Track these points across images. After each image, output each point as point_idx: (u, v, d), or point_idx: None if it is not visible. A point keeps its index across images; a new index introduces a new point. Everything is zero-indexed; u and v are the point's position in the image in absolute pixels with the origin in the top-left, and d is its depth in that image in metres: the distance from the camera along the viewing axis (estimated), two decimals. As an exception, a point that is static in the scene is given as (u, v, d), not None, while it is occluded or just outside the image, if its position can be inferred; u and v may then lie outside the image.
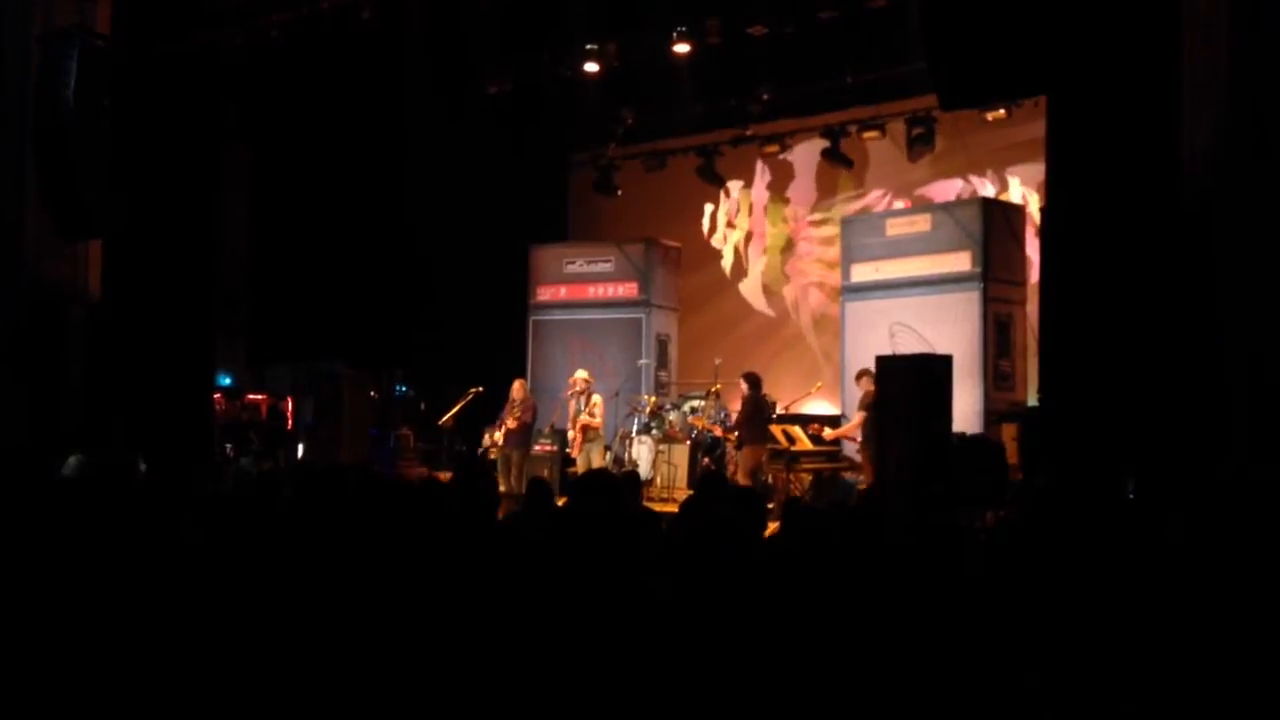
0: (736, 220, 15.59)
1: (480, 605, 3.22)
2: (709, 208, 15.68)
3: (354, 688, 2.99)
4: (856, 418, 10.86)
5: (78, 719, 3.03)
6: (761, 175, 15.26)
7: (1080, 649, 2.80)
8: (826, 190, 14.79)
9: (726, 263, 15.63)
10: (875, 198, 14.39)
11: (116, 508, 4.45)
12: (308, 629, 3.19)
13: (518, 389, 12.10)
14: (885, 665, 2.80)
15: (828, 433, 11.46)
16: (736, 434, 11.32)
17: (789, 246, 15.20)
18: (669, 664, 2.85)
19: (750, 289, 15.47)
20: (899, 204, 13.97)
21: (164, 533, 4.06)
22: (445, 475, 10.52)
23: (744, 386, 11.13)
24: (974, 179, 13.50)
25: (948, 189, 13.62)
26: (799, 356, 14.78)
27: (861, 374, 11.06)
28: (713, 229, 15.70)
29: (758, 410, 11.04)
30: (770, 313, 15.29)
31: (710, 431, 12.46)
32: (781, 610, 2.96)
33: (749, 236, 15.52)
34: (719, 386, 12.82)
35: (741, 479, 10.49)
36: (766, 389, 12.31)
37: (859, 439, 11.10)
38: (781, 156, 14.42)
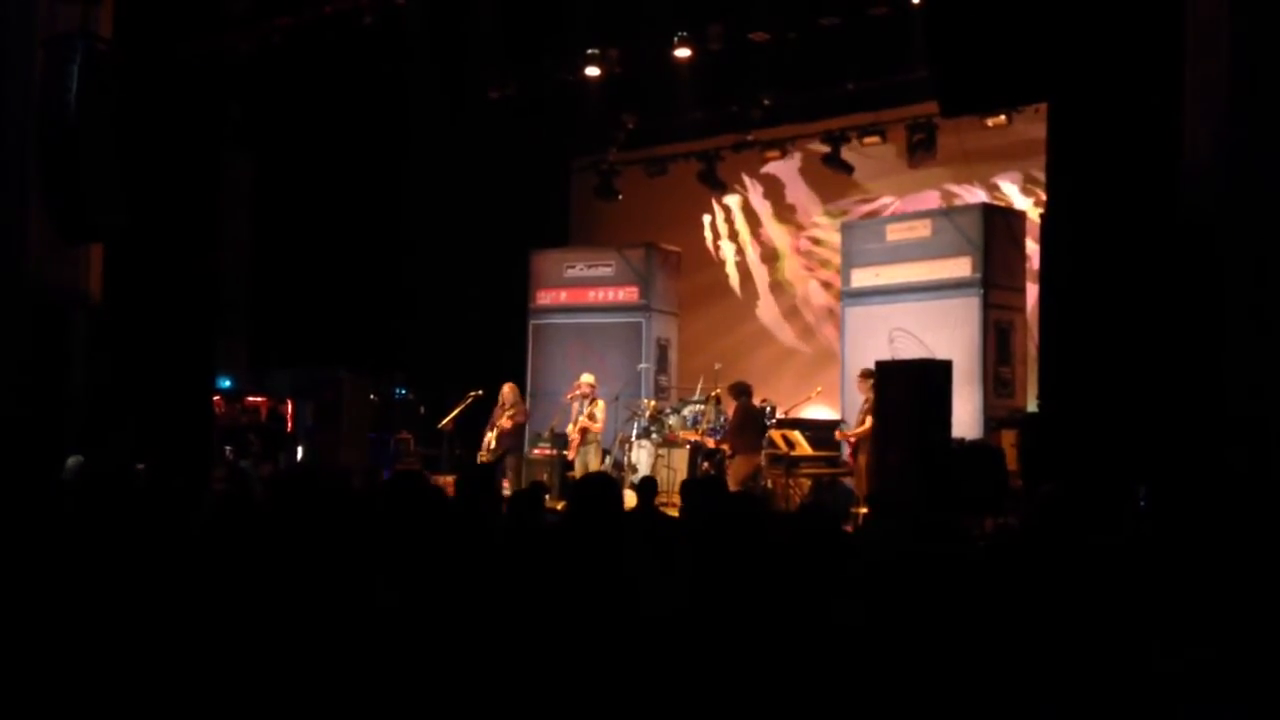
0: (738, 227, 15.60)
1: (482, 611, 3.23)
2: (708, 218, 15.69)
3: (355, 694, 3.00)
4: (870, 422, 10.52)
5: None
6: (763, 181, 15.26)
7: (1086, 657, 2.80)
8: (827, 196, 14.79)
9: (729, 270, 15.63)
10: (878, 203, 14.38)
11: (116, 510, 4.46)
12: (311, 633, 3.19)
13: (508, 392, 12.15)
14: (888, 669, 2.81)
15: (840, 432, 11.31)
16: (728, 444, 11.25)
17: (791, 252, 15.20)
18: (672, 665, 2.85)
19: (751, 295, 15.48)
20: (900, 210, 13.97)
21: (164, 535, 4.06)
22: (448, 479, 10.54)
23: (732, 396, 11.12)
24: (974, 185, 13.50)
25: (949, 195, 13.62)
26: (799, 361, 14.78)
27: (866, 374, 10.89)
28: (716, 238, 15.69)
29: (749, 419, 11.01)
30: (771, 318, 15.29)
31: (702, 442, 12.35)
32: (784, 612, 2.97)
33: (750, 243, 15.52)
34: (719, 391, 12.82)
35: (732, 487, 10.43)
36: (767, 394, 12.31)
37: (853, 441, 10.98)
38: (782, 162, 14.43)
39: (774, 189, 15.21)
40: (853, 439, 10.96)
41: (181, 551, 3.85)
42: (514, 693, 2.89)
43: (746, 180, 15.31)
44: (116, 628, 3.27)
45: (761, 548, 3.42)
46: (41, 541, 3.92)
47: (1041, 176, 12.69)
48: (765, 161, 14.37)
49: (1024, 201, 13.03)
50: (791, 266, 15.20)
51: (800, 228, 15.10)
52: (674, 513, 8.65)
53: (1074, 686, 2.67)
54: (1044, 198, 12.67)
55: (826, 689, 2.78)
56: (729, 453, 11.25)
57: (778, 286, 15.27)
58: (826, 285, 14.56)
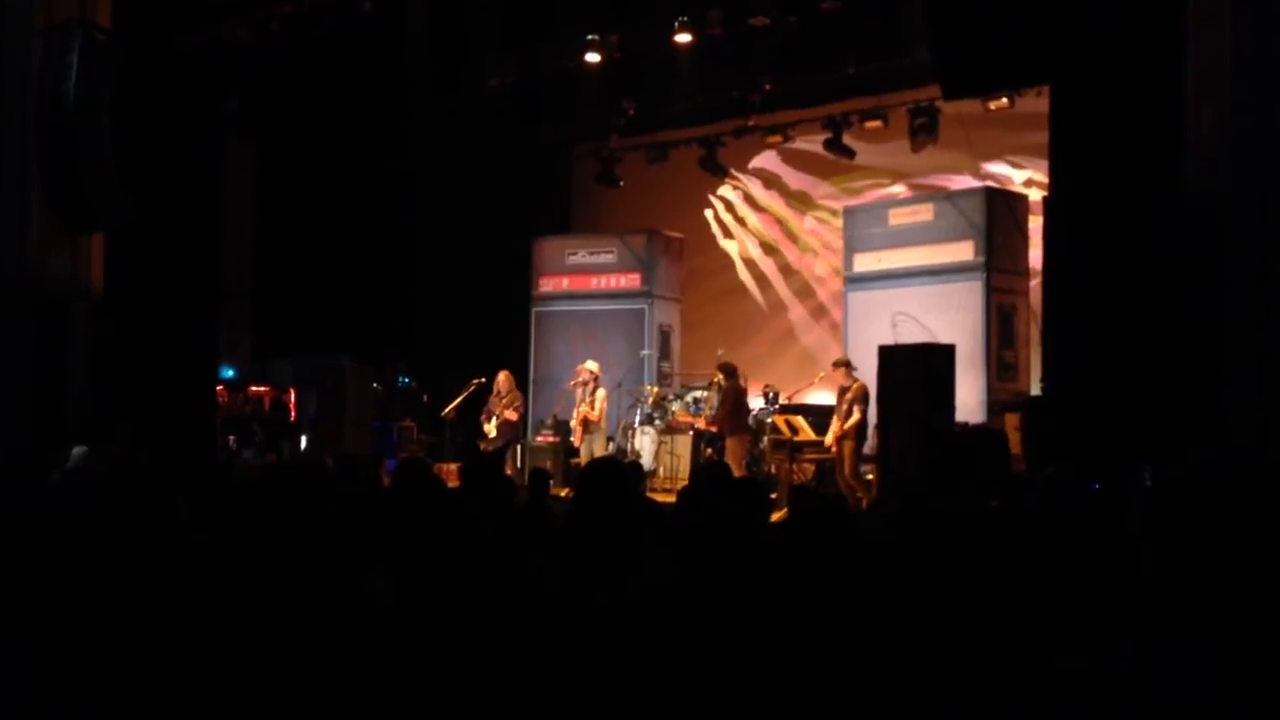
0: (741, 214, 15.57)
1: (488, 602, 3.23)
2: (709, 212, 15.65)
3: (359, 683, 3.00)
4: (858, 413, 10.18)
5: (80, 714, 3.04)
6: (766, 165, 15.22)
7: (1088, 639, 2.80)
8: (829, 180, 14.75)
9: (734, 257, 15.59)
10: (883, 187, 14.32)
11: (120, 500, 4.46)
12: (313, 624, 3.19)
13: (504, 380, 12.13)
14: (890, 653, 2.81)
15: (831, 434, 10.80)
16: (718, 426, 11.24)
17: (801, 234, 15.17)
18: (673, 656, 2.85)
19: (755, 280, 15.45)
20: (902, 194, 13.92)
21: (168, 525, 4.06)
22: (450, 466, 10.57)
23: (721, 378, 11.12)
24: (977, 167, 13.45)
25: (953, 179, 13.58)
26: (801, 346, 14.77)
27: (839, 363, 10.70)
28: (725, 233, 15.63)
29: (738, 400, 11.05)
30: (774, 303, 15.27)
31: (694, 424, 12.30)
32: (788, 599, 2.96)
33: (758, 227, 15.48)
34: (720, 377, 12.82)
35: (736, 470, 10.35)
36: (771, 379, 12.34)
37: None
38: (784, 147, 14.39)
39: (779, 175, 15.17)
40: (837, 435, 10.39)
41: (185, 542, 3.85)
42: (520, 681, 2.90)
43: (750, 165, 15.26)
44: (118, 618, 3.28)
45: (767, 536, 3.42)
46: (46, 533, 3.92)
47: (1026, 159, 12.73)
48: (767, 146, 14.33)
49: (1020, 178, 13.00)
50: (796, 252, 15.17)
51: (808, 209, 15.05)
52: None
53: (1076, 672, 2.67)
54: (1032, 179, 12.69)
55: (825, 677, 2.78)
56: (717, 433, 11.27)
57: (784, 270, 15.24)
58: (837, 271, 14.54)
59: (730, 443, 10.93)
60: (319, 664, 2.97)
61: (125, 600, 3.36)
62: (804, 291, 15.05)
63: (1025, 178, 13.03)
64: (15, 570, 3.50)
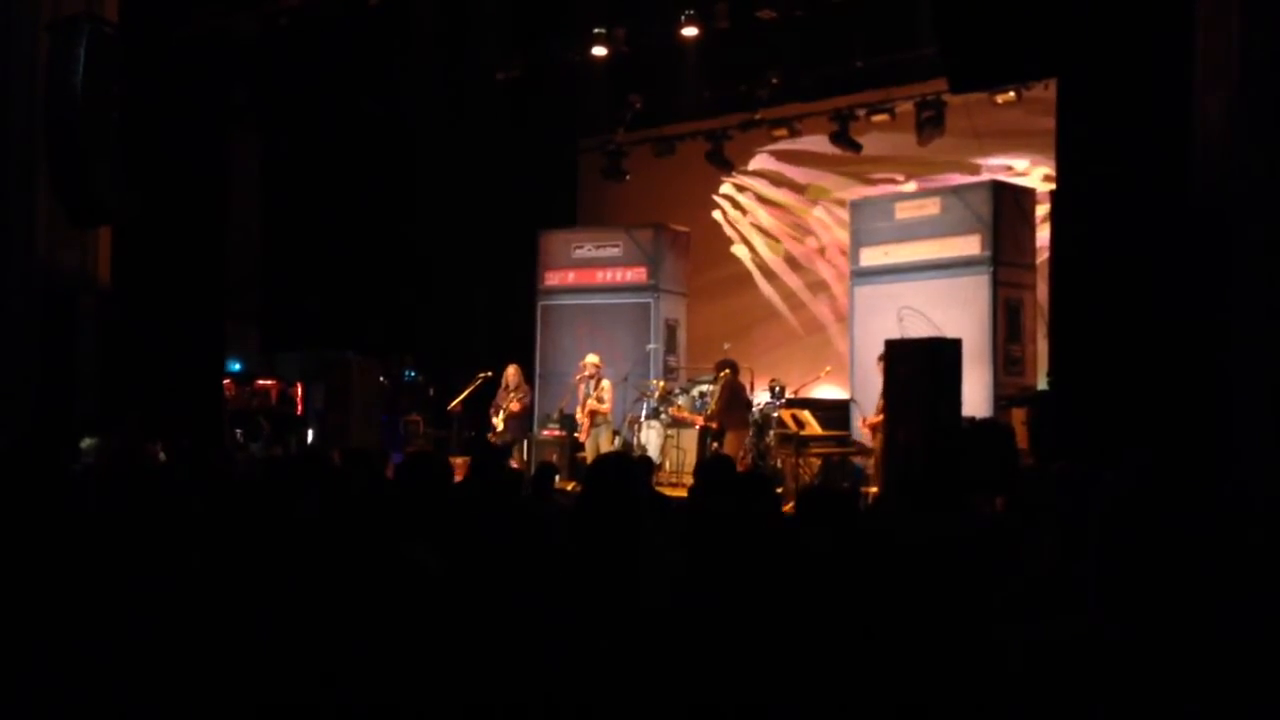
0: (747, 207, 15.56)
1: (494, 592, 3.23)
2: (718, 213, 15.64)
3: (365, 677, 3.00)
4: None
5: (86, 710, 3.05)
6: (770, 161, 15.21)
7: (1100, 635, 2.79)
8: (836, 174, 14.73)
9: (739, 250, 15.58)
10: (889, 180, 14.31)
11: (134, 493, 4.47)
12: (322, 619, 3.20)
13: (513, 374, 12.18)
14: (894, 649, 2.81)
15: (864, 419, 10.89)
16: (716, 423, 11.24)
17: (800, 232, 15.17)
18: (682, 648, 2.86)
19: (762, 274, 15.45)
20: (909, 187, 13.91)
21: (181, 518, 4.07)
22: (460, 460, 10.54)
23: (721, 374, 11.14)
24: (983, 161, 13.44)
25: (958, 173, 13.55)
26: (808, 341, 14.77)
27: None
28: (739, 235, 15.61)
29: (736, 395, 11.05)
30: (781, 297, 15.26)
31: (692, 421, 12.27)
32: (794, 594, 2.97)
33: (766, 220, 15.47)
34: (727, 372, 12.81)
35: (739, 465, 10.37)
36: (777, 374, 12.33)
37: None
38: (789, 143, 14.38)
39: (783, 168, 15.16)
40: (874, 423, 10.56)
41: (196, 534, 3.87)
42: (530, 676, 2.90)
43: (756, 159, 15.25)
44: (130, 615, 3.28)
45: (773, 529, 3.42)
46: (59, 524, 3.93)
47: (1031, 151, 12.71)
48: (773, 141, 14.32)
49: (1022, 166, 12.98)
50: (802, 246, 15.16)
51: (814, 203, 15.04)
52: (682, 493, 8.65)
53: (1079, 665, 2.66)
54: (1032, 169, 12.67)
55: (831, 674, 2.78)
56: (716, 429, 11.26)
57: (791, 264, 15.23)
58: (844, 266, 14.50)
59: (729, 437, 10.95)
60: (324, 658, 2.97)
61: (135, 592, 3.37)
62: (810, 285, 15.04)
63: (1026, 167, 12.99)
64: (32, 562, 3.51)
